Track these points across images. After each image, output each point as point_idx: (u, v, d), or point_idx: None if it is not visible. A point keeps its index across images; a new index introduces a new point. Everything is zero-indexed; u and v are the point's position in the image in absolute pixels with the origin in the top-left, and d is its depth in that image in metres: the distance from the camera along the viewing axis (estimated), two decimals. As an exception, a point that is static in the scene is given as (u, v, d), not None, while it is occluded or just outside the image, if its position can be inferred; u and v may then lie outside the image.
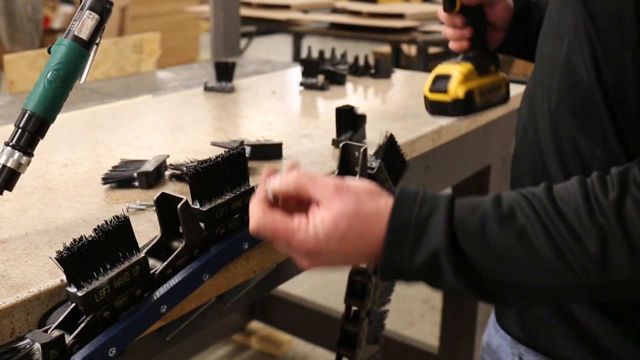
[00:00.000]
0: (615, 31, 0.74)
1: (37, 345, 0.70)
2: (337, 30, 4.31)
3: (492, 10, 1.11)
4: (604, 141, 0.78)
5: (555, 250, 0.66)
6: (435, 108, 1.11)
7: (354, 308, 1.25)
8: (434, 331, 2.79)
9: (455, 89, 1.06)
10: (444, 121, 1.56)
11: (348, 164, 1.07)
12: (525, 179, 0.90)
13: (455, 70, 1.07)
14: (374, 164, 1.14)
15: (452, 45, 1.12)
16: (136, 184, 1.13)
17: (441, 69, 1.10)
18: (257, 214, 0.75)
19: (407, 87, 1.95)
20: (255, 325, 2.75)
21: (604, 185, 0.68)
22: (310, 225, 0.73)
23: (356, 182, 0.76)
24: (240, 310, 2.59)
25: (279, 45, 8.64)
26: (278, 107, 1.71)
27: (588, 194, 0.68)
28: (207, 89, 1.85)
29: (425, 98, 1.12)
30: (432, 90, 1.10)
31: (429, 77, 1.11)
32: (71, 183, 1.15)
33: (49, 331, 0.75)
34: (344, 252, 0.74)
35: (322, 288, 3.15)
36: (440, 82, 1.09)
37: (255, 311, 2.71)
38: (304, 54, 2.12)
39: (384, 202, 0.74)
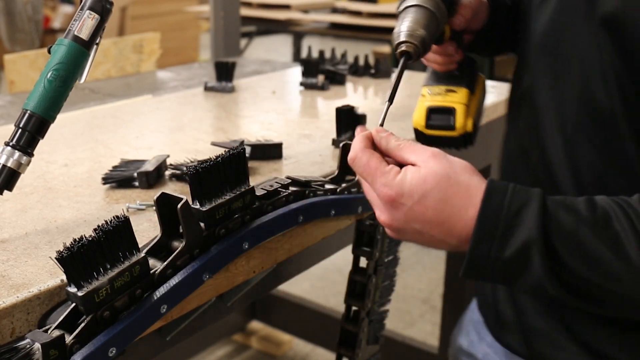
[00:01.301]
0: None
1: (37, 345, 0.70)
2: (337, 30, 4.31)
3: (474, 22, 1.02)
4: (629, 171, 0.77)
5: None
6: (434, 143, 1.00)
7: (354, 308, 1.25)
8: (434, 331, 2.79)
9: (463, 125, 0.97)
10: (444, 121, 1.56)
11: (348, 164, 1.07)
12: None
13: (456, 102, 0.97)
14: (374, 163, 1.14)
15: (440, 68, 1.03)
16: (136, 183, 1.13)
17: (433, 100, 1.00)
18: (358, 146, 0.77)
19: (407, 87, 1.95)
20: (255, 325, 2.75)
21: None
22: (401, 173, 0.73)
23: (454, 157, 0.75)
24: (240, 310, 2.59)
25: (279, 45, 8.63)
26: (278, 107, 1.71)
27: None
28: (207, 88, 1.85)
29: (420, 133, 1.01)
30: (430, 126, 0.99)
31: (418, 110, 1.00)
32: (71, 183, 1.15)
33: (49, 331, 0.75)
34: (424, 213, 0.72)
35: (322, 288, 3.16)
36: (439, 118, 0.98)
37: (255, 311, 2.71)
38: (304, 54, 2.12)
39: (478, 181, 0.73)
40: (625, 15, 0.72)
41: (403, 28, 0.87)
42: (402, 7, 0.91)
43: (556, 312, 0.89)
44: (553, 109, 0.83)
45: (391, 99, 0.84)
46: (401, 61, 0.86)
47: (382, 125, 0.82)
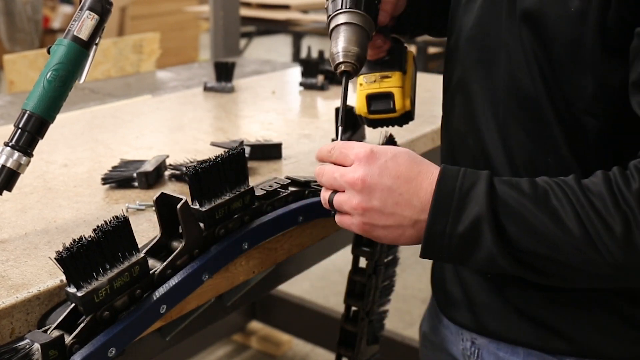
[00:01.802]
0: (569, 57, 0.79)
1: (36, 346, 0.70)
2: (337, 30, 4.30)
3: (395, 10, 1.06)
4: (556, 152, 0.83)
5: (584, 231, 0.73)
6: (379, 124, 1.09)
7: (353, 308, 1.25)
8: (434, 331, 2.79)
9: (403, 105, 1.04)
10: (443, 121, 1.56)
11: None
12: None
13: (392, 87, 1.04)
14: (374, 164, 1.14)
15: (372, 58, 1.08)
16: (136, 184, 1.13)
17: (370, 88, 1.06)
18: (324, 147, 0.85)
19: (407, 87, 1.95)
20: (255, 325, 2.75)
21: (625, 178, 0.74)
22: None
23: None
24: (240, 310, 2.59)
25: (279, 46, 8.63)
26: (278, 107, 1.71)
27: (612, 185, 0.74)
28: (207, 89, 1.85)
29: (364, 118, 1.09)
30: (372, 112, 1.06)
31: (359, 98, 1.07)
32: (71, 183, 1.15)
33: (48, 331, 0.75)
34: (397, 168, 0.79)
35: (322, 288, 3.15)
36: (380, 103, 1.05)
37: (255, 311, 2.71)
38: (303, 54, 2.11)
39: (429, 166, 0.81)
40: (542, 11, 0.79)
41: (339, 49, 0.93)
42: (332, 26, 0.96)
43: (496, 285, 0.92)
44: (486, 97, 0.89)
45: (342, 121, 0.91)
46: (343, 80, 0.94)
47: None
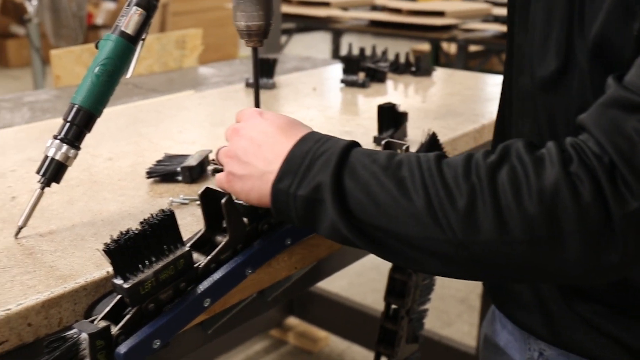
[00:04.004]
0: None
1: (84, 335, 0.71)
2: (377, 28, 4.30)
3: None
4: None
5: (427, 202, 0.68)
6: None
7: (393, 306, 1.25)
8: (472, 332, 2.77)
9: None
10: (486, 120, 1.55)
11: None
12: None
13: None
14: (416, 161, 1.13)
15: None
16: (179, 178, 1.14)
17: None
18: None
19: (448, 85, 1.94)
20: (292, 321, 2.76)
21: (486, 152, 0.70)
22: None
23: None
24: (277, 306, 2.60)
25: (317, 42, 8.64)
26: (319, 104, 1.71)
27: (470, 156, 0.70)
28: (249, 85, 1.86)
29: None
30: None
31: None
32: (116, 176, 1.17)
33: (95, 321, 0.76)
34: (261, 128, 0.81)
35: (360, 285, 3.15)
36: None
37: (292, 307, 2.72)
38: (342, 51, 2.11)
39: (303, 129, 0.82)
40: (609, 35, 0.74)
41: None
42: None
43: (563, 294, 0.88)
44: (557, 113, 0.86)
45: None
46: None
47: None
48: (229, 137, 0.86)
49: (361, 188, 0.72)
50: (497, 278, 0.85)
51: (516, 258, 0.67)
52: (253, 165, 0.81)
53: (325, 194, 0.73)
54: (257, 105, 0.98)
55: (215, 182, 0.86)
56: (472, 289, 3.13)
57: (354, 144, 0.77)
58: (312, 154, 0.76)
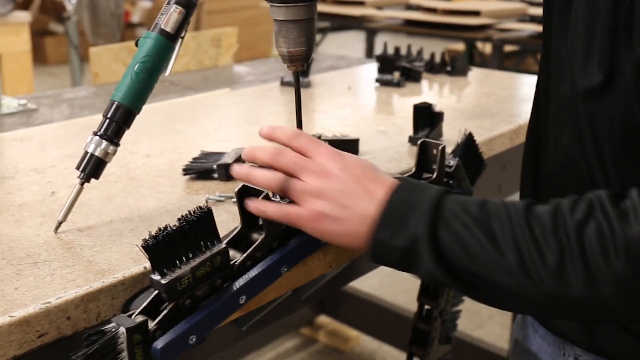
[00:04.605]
0: None
1: (122, 329, 0.72)
2: (411, 27, 4.28)
3: None
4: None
5: (519, 258, 0.71)
6: None
7: (426, 307, 1.24)
8: (504, 334, 2.75)
9: None
10: (522, 120, 1.54)
11: (426, 162, 1.07)
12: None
13: None
14: (452, 162, 1.13)
15: None
16: (215, 175, 1.15)
17: None
18: (274, 148, 0.85)
19: (484, 85, 1.93)
20: (323, 319, 2.76)
21: (573, 207, 0.72)
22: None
23: None
24: (310, 304, 2.61)
25: (351, 41, 8.63)
26: (354, 103, 1.71)
27: (557, 211, 0.72)
28: (284, 83, 1.86)
29: None
30: None
31: None
32: (153, 173, 1.18)
33: (132, 316, 0.77)
34: (352, 172, 0.82)
35: (391, 285, 3.14)
36: None
37: (323, 305, 2.72)
38: (376, 50, 2.11)
39: (385, 175, 0.84)
40: None
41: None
42: None
43: None
44: (601, 120, 0.84)
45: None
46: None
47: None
48: (304, 173, 0.83)
49: (455, 240, 0.75)
50: (588, 322, 0.87)
51: (605, 309, 0.72)
52: (351, 209, 0.80)
53: (421, 246, 0.76)
54: (299, 126, 0.98)
55: (292, 216, 0.83)
56: (505, 291, 3.10)
57: (445, 192, 0.79)
58: (407, 205, 0.78)
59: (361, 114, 1.61)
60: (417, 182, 0.81)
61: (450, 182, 1.11)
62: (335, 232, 0.82)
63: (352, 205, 0.80)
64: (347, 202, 0.80)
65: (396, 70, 1.90)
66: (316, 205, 0.81)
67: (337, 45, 8.21)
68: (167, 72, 1.02)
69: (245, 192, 0.86)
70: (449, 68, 1.99)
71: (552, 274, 0.70)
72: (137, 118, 1.00)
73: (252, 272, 0.84)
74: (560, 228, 0.71)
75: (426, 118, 1.35)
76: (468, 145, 1.18)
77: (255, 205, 0.83)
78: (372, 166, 0.85)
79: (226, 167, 1.14)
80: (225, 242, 0.84)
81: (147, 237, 0.74)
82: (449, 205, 0.77)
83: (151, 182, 1.14)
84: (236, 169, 0.86)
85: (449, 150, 1.16)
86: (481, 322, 2.90)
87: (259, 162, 0.85)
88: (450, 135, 1.36)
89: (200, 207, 0.79)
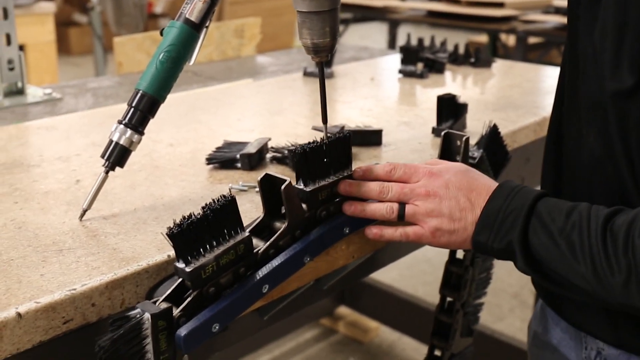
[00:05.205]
0: None
1: (147, 315, 0.73)
2: (434, 19, 4.26)
3: None
4: None
5: (593, 269, 0.80)
6: None
7: (448, 299, 1.24)
8: (524, 327, 2.73)
9: None
10: (546, 112, 1.52)
11: (449, 153, 1.06)
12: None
13: None
14: (476, 154, 1.12)
15: None
16: (238, 165, 1.15)
17: None
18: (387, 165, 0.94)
19: (508, 77, 1.91)
20: (343, 310, 2.77)
21: None
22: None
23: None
24: (332, 295, 2.61)
25: (373, 32, 8.60)
26: (377, 94, 1.70)
27: (630, 229, 0.78)
28: (307, 74, 1.86)
29: None
30: None
31: None
32: (176, 162, 1.19)
33: (157, 303, 0.77)
34: (456, 186, 0.90)
35: (411, 277, 3.14)
36: None
37: (344, 296, 2.72)
38: (399, 42, 2.10)
39: (484, 180, 0.92)
40: None
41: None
42: None
43: None
44: (617, 121, 0.87)
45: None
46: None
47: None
48: (413, 198, 0.91)
49: (542, 245, 0.84)
50: None
51: None
52: (460, 221, 0.90)
53: (515, 248, 0.86)
54: (324, 118, 1.00)
55: (412, 237, 0.92)
56: (525, 284, 3.09)
57: (536, 199, 0.86)
58: (503, 212, 0.87)
59: (384, 104, 1.60)
60: (511, 187, 0.88)
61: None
62: (450, 242, 0.91)
63: (461, 217, 0.89)
64: (457, 215, 0.90)
65: (419, 62, 1.89)
66: (432, 223, 0.90)
67: (359, 37, 8.19)
68: (192, 62, 1.02)
69: (269, 181, 0.86)
70: (472, 59, 1.98)
71: (619, 287, 0.79)
72: (161, 107, 1.01)
73: (276, 261, 0.84)
74: (629, 249, 0.78)
75: (450, 109, 1.34)
76: (492, 137, 1.17)
77: (374, 232, 0.94)
78: (467, 172, 0.92)
79: (249, 156, 1.15)
80: (248, 230, 0.84)
81: (171, 225, 0.75)
82: (539, 213, 0.85)
83: (175, 171, 1.15)
84: (352, 210, 0.93)
85: (472, 141, 1.16)
86: (502, 314, 2.89)
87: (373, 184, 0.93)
88: (474, 127, 1.35)
89: (223, 196, 0.79)
